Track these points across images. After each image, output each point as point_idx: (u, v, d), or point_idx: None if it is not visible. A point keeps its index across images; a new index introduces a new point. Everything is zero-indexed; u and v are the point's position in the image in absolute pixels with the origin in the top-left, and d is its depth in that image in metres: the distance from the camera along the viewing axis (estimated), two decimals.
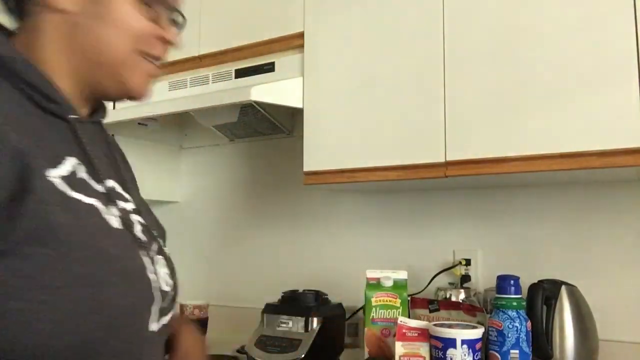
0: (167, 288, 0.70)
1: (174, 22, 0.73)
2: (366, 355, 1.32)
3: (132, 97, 0.72)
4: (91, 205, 0.61)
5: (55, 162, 0.60)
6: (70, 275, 0.55)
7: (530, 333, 1.18)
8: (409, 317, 1.31)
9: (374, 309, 1.33)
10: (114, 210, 0.65)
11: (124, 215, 0.67)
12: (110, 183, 0.68)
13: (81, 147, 0.65)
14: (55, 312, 0.54)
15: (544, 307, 1.24)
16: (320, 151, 1.50)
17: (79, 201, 0.60)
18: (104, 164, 0.70)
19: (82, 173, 0.63)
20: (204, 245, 2.12)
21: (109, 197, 0.66)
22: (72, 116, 0.66)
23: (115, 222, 0.64)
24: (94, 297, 0.57)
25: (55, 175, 0.59)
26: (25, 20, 0.68)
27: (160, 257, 0.71)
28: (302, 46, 1.56)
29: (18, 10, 0.69)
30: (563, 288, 1.27)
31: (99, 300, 0.57)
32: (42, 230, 0.54)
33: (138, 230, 0.69)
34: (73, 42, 0.67)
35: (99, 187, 0.65)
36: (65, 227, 0.56)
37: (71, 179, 0.60)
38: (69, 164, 0.62)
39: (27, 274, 0.53)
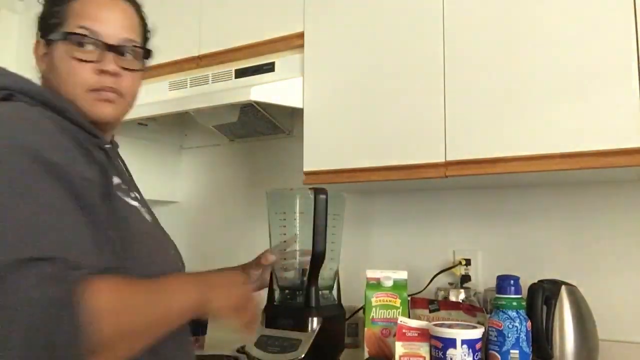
0: (180, 263, 0.97)
1: (112, 48, 0.87)
2: (366, 355, 1.32)
3: (95, 123, 0.88)
4: (134, 206, 0.87)
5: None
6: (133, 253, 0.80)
7: (530, 333, 1.18)
8: (409, 317, 1.31)
9: (374, 309, 1.33)
10: (144, 210, 0.90)
11: (150, 214, 0.92)
12: (134, 191, 0.91)
13: (114, 167, 0.88)
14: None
15: (544, 307, 1.24)
16: (320, 151, 1.50)
17: (128, 203, 0.85)
18: (126, 177, 0.91)
19: (122, 185, 0.86)
20: (203, 245, 2.12)
21: (138, 201, 0.89)
22: (106, 146, 0.88)
23: (149, 218, 0.90)
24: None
25: (114, 183, 0.83)
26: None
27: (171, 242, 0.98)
28: (302, 46, 1.56)
29: None
30: (563, 288, 1.27)
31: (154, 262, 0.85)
32: (116, 219, 0.78)
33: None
34: (54, 92, 0.85)
35: (131, 194, 0.88)
36: (128, 219, 0.82)
37: (120, 188, 0.85)
38: (115, 178, 0.84)
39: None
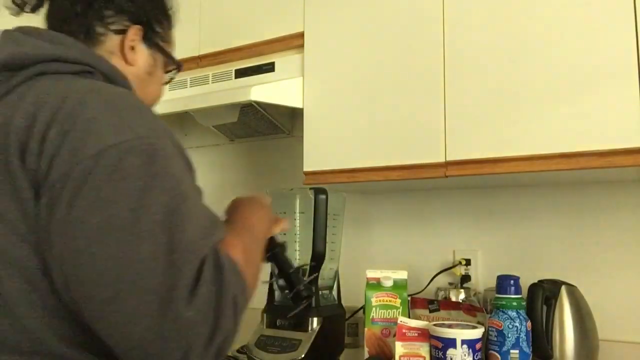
0: None
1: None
2: (366, 355, 1.32)
3: None
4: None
5: None
6: None
7: (530, 333, 1.18)
8: (409, 317, 1.31)
9: (374, 309, 1.33)
10: None
11: None
12: None
13: None
14: None
15: (544, 307, 1.24)
16: (320, 151, 1.50)
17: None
18: None
19: None
20: None
21: None
22: None
23: None
24: None
25: None
26: (93, 49, 0.87)
27: None
28: (302, 46, 1.56)
29: (77, 32, 0.85)
30: (563, 288, 1.27)
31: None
32: None
33: None
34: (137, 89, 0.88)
35: None
36: None
37: None
38: None
39: None
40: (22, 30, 0.79)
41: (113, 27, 0.86)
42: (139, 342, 0.61)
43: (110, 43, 0.86)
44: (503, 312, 1.17)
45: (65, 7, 0.84)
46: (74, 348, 0.68)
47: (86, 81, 0.75)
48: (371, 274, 1.36)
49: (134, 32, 0.87)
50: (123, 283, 0.61)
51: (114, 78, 0.81)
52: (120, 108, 0.70)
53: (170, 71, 0.99)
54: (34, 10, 0.88)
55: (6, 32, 0.79)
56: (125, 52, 0.87)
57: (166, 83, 0.99)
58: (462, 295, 1.45)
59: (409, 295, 1.37)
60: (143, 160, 0.65)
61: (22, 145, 0.66)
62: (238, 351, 1.58)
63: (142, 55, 0.90)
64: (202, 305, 0.62)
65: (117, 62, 0.86)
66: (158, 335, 0.61)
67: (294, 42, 1.58)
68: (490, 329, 1.19)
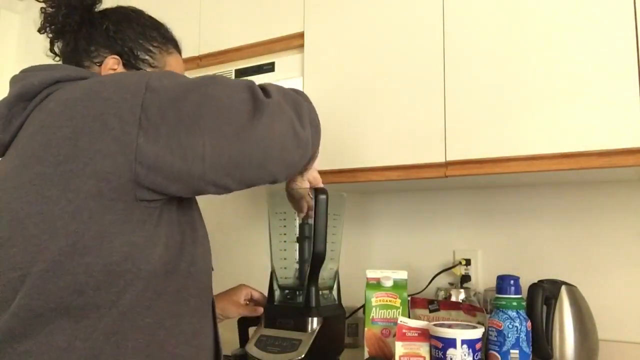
0: None
1: None
2: (366, 355, 1.32)
3: None
4: None
5: None
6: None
7: (530, 333, 1.18)
8: (409, 317, 1.31)
9: (374, 309, 1.33)
10: None
11: None
12: None
13: None
14: None
15: (544, 307, 1.24)
16: (321, 151, 1.50)
17: None
18: None
19: None
20: None
21: None
22: None
23: None
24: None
25: None
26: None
27: None
28: (302, 46, 1.56)
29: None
30: (563, 288, 1.27)
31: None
32: None
33: None
34: None
35: None
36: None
37: None
38: None
39: None
40: (28, 68, 0.91)
41: (96, 60, 0.99)
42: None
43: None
44: (503, 312, 1.17)
45: (63, 47, 1.01)
46: None
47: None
48: (371, 274, 1.36)
49: (113, 62, 0.98)
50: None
51: None
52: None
53: None
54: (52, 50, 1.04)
55: (17, 74, 0.91)
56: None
57: None
58: (462, 295, 1.45)
59: (409, 295, 1.37)
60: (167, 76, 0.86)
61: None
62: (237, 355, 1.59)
63: None
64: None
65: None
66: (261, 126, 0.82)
67: (294, 42, 1.58)
68: (490, 329, 1.19)
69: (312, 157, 1.02)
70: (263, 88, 0.86)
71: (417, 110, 1.36)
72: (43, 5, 0.98)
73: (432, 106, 1.34)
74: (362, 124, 1.44)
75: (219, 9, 1.74)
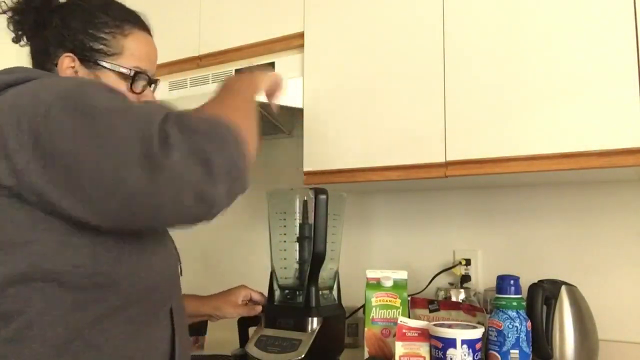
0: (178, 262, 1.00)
1: (153, 83, 1.02)
2: (366, 355, 1.32)
3: None
4: None
5: None
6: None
7: (530, 333, 1.18)
8: (409, 317, 1.31)
9: (374, 309, 1.33)
10: None
11: None
12: None
13: None
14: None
15: (544, 307, 1.24)
16: (320, 151, 1.50)
17: None
18: None
19: None
20: (203, 245, 2.12)
21: None
22: None
23: None
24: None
25: None
26: None
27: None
28: (302, 46, 1.56)
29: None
30: (563, 288, 1.27)
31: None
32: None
33: None
34: None
35: None
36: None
37: None
38: None
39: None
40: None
41: (55, 60, 0.94)
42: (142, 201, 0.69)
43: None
44: (503, 312, 1.17)
45: (30, 53, 0.97)
46: None
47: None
48: (371, 274, 1.36)
49: (68, 60, 0.93)
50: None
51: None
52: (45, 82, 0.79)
53: (133, 80, 0.97)
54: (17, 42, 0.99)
55: None
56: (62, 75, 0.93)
57: (139, 91, 0.98)
58: (462, 295, 1.45)
59: (409, 295, 1.37)
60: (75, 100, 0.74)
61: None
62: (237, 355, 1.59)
63: (74, 75, 0.94)
64: (180, 152, 0.68)
65: None
66: (152, 188, 0.68)
67: (294, 42, 1.58)
68: (490, 329, 1.19)
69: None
70: (166, 138, 0.68)
71: (417, 110, 1.36)
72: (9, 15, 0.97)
73: (432, 106, 1.34)
74: (362, 124, 1.44)
75: (219, 9, 1.74)
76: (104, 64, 0.95)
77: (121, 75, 0.96)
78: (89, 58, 0.94)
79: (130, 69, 0.96)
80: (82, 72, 0.94)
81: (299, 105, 1.55)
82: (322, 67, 1.52)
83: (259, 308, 1.36)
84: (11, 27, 0.97)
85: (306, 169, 1.52)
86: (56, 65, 0.94)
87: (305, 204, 1.38)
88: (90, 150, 0.69)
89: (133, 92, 0.97)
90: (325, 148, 1.50)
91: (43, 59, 0.95)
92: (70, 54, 0.94)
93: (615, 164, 1.12)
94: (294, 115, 1.88)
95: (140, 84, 0.98)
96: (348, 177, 1.45)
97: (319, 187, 1.32)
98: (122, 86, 0.95)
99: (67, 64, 0.93)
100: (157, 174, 0.67)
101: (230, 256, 2.06)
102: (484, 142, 1.26)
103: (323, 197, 1.28)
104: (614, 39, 1.14)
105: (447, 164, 1.31)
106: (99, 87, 0.78)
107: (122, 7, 1.00)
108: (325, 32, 1.53)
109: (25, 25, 0.96)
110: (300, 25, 1.57)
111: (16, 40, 0.98)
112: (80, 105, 0.72)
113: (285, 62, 1.60)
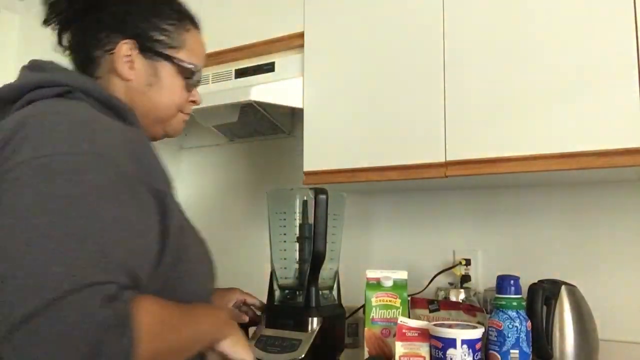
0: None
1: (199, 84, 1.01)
2: (366, 355, 1.32)
3: (170, 137, 1.00)
4: (184, 212, 0.92)
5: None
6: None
7: (530, 333, 1.18)
8: (409, 317, 1.31)
9: (374, 309, 1.33)
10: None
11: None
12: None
13: None
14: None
15: (544, 307, 1.24)
16: (320, 151, 1.50)
17: (180, 209, 0.90)
18: None
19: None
20: None
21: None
22: None
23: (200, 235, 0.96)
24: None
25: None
26: (96, 73, 0.90)
27: None
28: (302, 46, 1.56)
29: (84, 61, 0.91)
30: (563, 288, 1.27)
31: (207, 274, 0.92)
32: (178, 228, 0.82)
33: None
34: (134, 102, 0.89)
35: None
36: (184, 228, 0.88)
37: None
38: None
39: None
40: (27, 64, 0.85)
41: (107, 47, 0.88)
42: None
43: (106, 64, 0.89)
44: (503, 312, 1.17)
45: (71, 40, 0.91)
46: None
47: (53, 102, 0.77)
48: (371, 274, 1.36)
49: (127, 48, 0.88)
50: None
51: (92, 92, 0.82)
52: (53, 125, 0.71)
53: (189, 76, 0.94)
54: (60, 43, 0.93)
55: (25, 65, 0.85)
56: (119, 68, 0.88)
57: (190, 88, 0.96)
58: (462, 295, 1.45)
59: (409, 295, 1.37)
60: (40, 177, 0.65)
61: None
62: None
63: (138, 68, 0.89)
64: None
65: (115, 80, 0.89)
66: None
67: (294, 42, 1.58)
68: (490, 329, 1.19)
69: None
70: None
71: (417, 110, 1.36)
72: None
73: (432, 106, 1.34)
74: (362, 124, 1.44)
75: (219, 9, 1.74)
76: (167, 54, 0.91)
77: (180, 69, 0.93)
78: (149, 47, 0.89)
79: (193, 65, 0.94)
80: (139, 62, 0.89)
81: (299, 105, 1.55)
82: (322, 67, 1.52)
83: (246, 318, 1.30)
84: (49, 8, 0.90)
85: (306, 169, 1.52)
86: (109, 52, 0.88)
87: (305, 204, 1.38)
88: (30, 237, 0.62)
89: (187, 89, 0.95)
90: (325, 148, 1.50)
91: (90, 45, 0.89)
92: (130, 41, 0.88)
93: (614, 164, 1.12)
94: (294, 115, 1.89)
95: (195, 82, 0.96)
96: (348, 177, 1.45)
97: (319, 187, 1.32)
98: (177, 81, 0.93)
99: (125, 50, 0.88)
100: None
101: (230, 256, 2.06)
102: (483, 142, 1.26)
103: (323, 197, 1.28)
104: (614, 39, 1.14)
105: (447, 164, 1.31)
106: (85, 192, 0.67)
107: (182, 3, 0.99)
108: (325, 32, 1.53)
109: (75, 5, 0.89)
110: (300, 25, 1.57)
111: (47, 22, 0.90)
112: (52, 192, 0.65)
113: (285, 62, 1.60)
